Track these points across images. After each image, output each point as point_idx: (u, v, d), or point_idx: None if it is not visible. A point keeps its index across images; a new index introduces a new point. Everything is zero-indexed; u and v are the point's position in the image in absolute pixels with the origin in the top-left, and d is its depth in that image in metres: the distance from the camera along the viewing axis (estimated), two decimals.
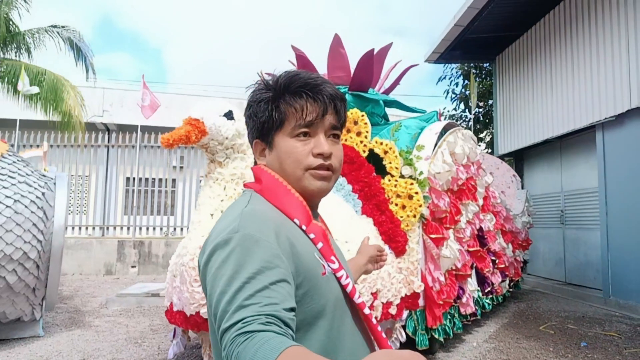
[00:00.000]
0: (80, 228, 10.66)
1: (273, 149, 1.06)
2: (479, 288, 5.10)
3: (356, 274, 1.43)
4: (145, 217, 10.58)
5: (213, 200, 3.26)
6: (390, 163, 3.81)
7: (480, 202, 5.13)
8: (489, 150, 13.16)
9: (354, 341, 1.02)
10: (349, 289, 1.03)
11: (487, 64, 12.67)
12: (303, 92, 1.02)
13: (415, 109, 5.13)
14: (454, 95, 14.12)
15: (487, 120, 13.63)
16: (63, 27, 10.45)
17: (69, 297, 7.09)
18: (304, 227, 1.02)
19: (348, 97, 4.47)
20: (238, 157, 3.34)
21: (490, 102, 12.54)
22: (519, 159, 10.22)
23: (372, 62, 4.31)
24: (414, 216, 3.70)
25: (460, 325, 4.61)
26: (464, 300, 4.47)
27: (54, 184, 4.73)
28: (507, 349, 4.55)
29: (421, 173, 3.85)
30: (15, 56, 10.20)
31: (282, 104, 1.03)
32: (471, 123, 11.58)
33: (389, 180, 3.80)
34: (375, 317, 3.40)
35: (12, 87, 9.69)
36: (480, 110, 13.84)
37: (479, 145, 14.26)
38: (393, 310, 3.52)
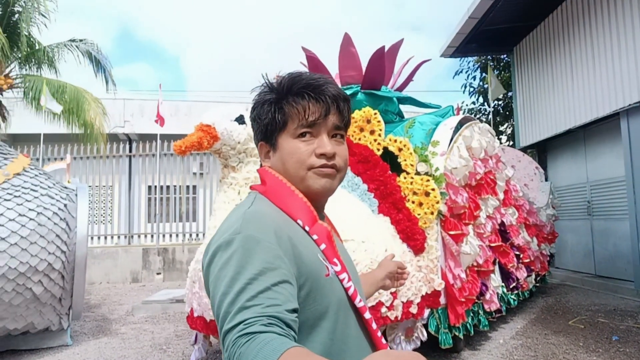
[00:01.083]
0: (105, 237, 10.86)
1: (277, 150, 1.07)
2: (503, 284, 4.99)
3: (372, 287, 1.41)
4: (168, 225, 10.72)
5: (228, 205, 3.28)
6: (405, 160, 3.76)
7: (501, 196, 5.03)
8: (510, 143, 12.92)
9: (359, 345, 1.01)
10: (350, 292, 1.01)
11: (505, 56, 12.45)
12: (305, 93, 1.02)
13: (430, 105, 5.07)
14: (471, 89, 13.93)
15: (507, 113, 13.38)
16: (81, 40, 10.67)
17: (97, 306, 7.23)
18: (307, 228, 1.01)
19: (360, 95, 4.44)
20: (251, 161, 3.36)
21: (509, 94, 12.30)
22: (542, 151, 10.01)
23: (383, 59, 4.27)
24: (432, 213, 3.64)
25: (487, 323, 4.52)
26: (487, 296, 4.38)
27: (76, 195, 4.82)
28: (535, 345, 4.45)
29: (437, 169, 3.79)
30: (37, 72, 10.46)
31: (284, 105, 1.03)
32: (490, 116, 11.37)
33: (405, 178, 3.75)
34: (396, 317, 3.37)
35: (35, 102, 9.93)
36: (500, 102, 13.60)
37: (500, 139, 14.03)
38: (414, 309, 3.47)
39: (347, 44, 4.45)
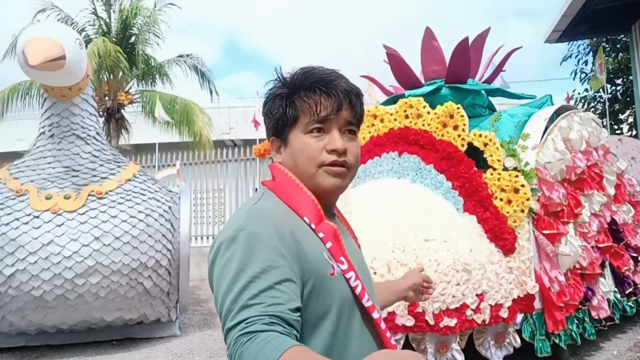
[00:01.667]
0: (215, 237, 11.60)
1: (288, 146, 1.06)
2: (616, 289, 4.49)
3: (393, 296, 1.37)
4: None
5: None
6: (491, 156, 3.56)
7: (611, 191, 4.53)
8: (634, 133, 11.56)
9: (363, 345, 1.00)
10: (357, 290, 1.00)
11: (623, 35, 11.18)
12: (317, 88, 1.01)
13: (522, 95, 4.73)
14: (583, 75, 12.70)
15: (627, 99, 12.00)
16: (188, 55, 11.63)
17: (205, 301, 7.78)
18: (313, 226, 1.00)
19: (445, 90, 4.29)
20: None
21: (630, 77, 11.01)
22: None
23: (467, 51, 4.09)
24: (522, 211, 3.40)
25: (593, 331, 4.10)
26: (594, 302, 3.98)
27: (179, 198, 5.26)
28: None
29: (527, 164, 3.53)
30: (152, 87, 11.58)
31: (296, 100, 1.03)
32: (607, 104, 10.28)
33: (492, 174, 3.55)
34: (484, 321, 3.21)
35: (151, 115, 11.01)
36: (619, 88, 12.23)
37: (620, 128, 12.62)
38: (504, 314, 3.27)
39: (429, 38, 4.32)
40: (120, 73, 11.11)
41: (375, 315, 1.02)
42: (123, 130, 11.57)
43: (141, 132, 12.10)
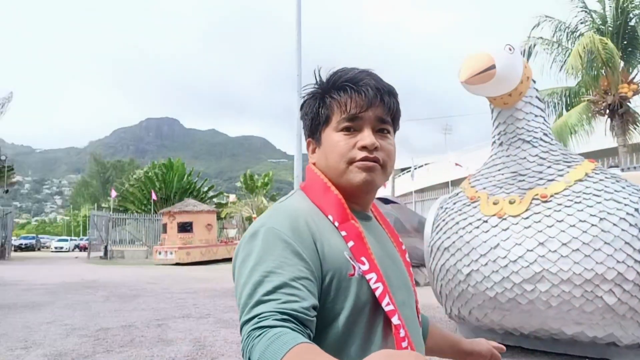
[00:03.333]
0: None
1: (321, 145, 1.09)
2: None
3: (447, 348, 1.29)
4: None
5: None
6: None
7: None
8: None
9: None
10: (377, 292, 0.96)
11: None
12: (347, 86, 1.04)
13: None
14: None
15: None
16: None
17: None
18: (336, 224, 1.00)
19: None
20: None
21: None
22: None
23: None
24: None
25: None
26: None
27: None
28: None
29: None
30: None
31: (327, 99, 1.06)
32: None
33: None
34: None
35: None
36: None
37: None
38: None
39: None
40: (621, 64, 10.01)
41: (395, 320, 0.97)
42: (630, 126, 10.29)
43: None
